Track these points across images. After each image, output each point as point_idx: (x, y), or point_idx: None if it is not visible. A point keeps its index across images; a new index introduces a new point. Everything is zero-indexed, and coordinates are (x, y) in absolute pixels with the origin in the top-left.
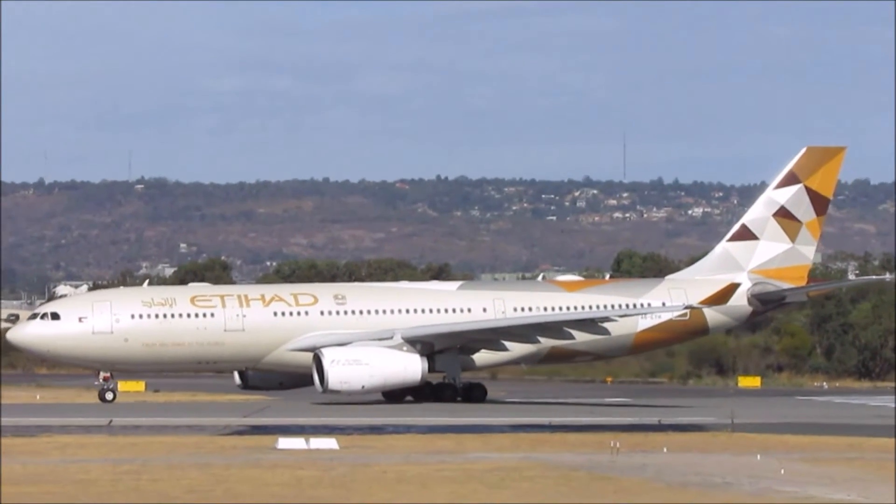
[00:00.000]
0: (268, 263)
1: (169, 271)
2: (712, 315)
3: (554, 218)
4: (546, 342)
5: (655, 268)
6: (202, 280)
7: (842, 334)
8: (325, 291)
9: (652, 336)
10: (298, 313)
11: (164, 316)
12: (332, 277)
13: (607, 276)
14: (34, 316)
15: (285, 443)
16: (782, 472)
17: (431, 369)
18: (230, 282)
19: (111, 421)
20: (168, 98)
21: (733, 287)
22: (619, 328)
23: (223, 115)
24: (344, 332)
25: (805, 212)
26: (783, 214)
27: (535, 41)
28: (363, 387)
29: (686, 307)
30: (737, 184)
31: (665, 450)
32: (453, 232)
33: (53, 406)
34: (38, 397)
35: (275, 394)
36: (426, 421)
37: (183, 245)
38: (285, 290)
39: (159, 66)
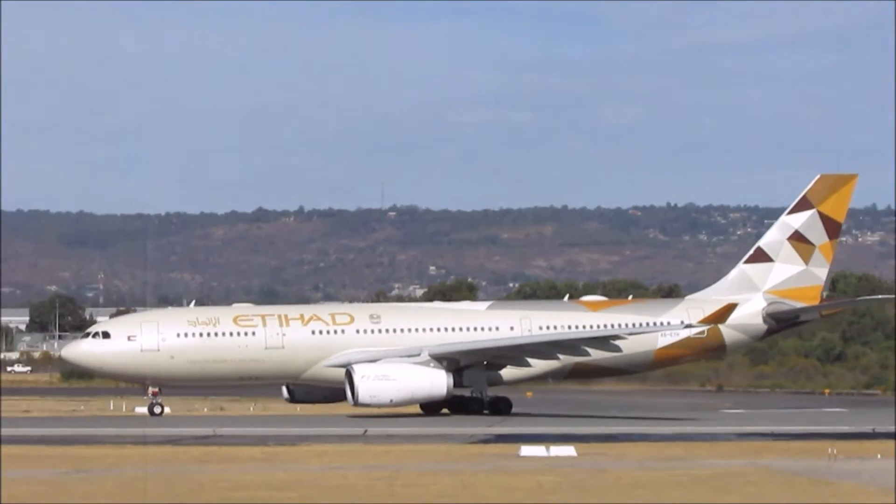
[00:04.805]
0: (510, 284)
1: (419, 292)
2: (729, 333)
3: None
4: (567, 359)
5: (869, 287)
6: (450, 300)
7: None
8: (361, 311)
9: (671, 352)
10: (335, 332)
11: (208, 335)
12: (570, 297)
13: (630, 297)
14: (87, 335)
15: (527, 450)
16: None
17: (459, 384)
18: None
19: (366, 431)
20: (418, 130)
21: (731, 307)
22: (640, 345)
23: (466, 147)
24: (377, 349)
25: (818, 235)
26: (797, 238)
27: (760, 76)
28: (391, 400)
29: (686, 326)
30: None
31: (879, 456)
32: (682, 255)
33: (311, 417)
34: (297, 409)
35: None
36: (659, 430)
37: (432, 267)
38: (324, 309)
39: (410, 100)
